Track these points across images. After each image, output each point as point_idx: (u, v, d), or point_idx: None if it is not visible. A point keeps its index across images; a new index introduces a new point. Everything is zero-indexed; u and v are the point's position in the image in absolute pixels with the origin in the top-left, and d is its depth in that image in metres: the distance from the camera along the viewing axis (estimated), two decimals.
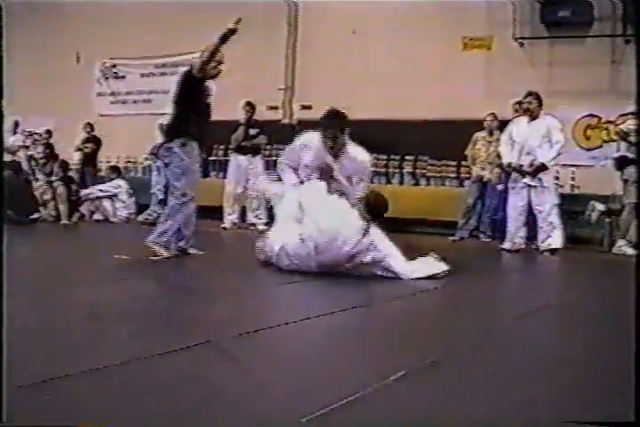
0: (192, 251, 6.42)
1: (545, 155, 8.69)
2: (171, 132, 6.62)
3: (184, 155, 6.42)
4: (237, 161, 11.79)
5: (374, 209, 5.49)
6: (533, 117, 8.80)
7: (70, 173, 12.23)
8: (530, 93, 8.85)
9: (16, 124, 13.77)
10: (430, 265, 5.66)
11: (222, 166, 13.87)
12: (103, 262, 6.00)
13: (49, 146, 12.80)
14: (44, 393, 2.20)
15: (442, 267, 5.69)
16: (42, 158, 12.49)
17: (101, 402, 2.16)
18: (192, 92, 6.79)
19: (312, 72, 13.31)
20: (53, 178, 11.74)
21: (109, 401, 2.18)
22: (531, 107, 8.78)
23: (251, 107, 12.02)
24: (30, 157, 12.92)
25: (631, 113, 8.88)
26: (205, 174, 14.11)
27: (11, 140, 13.40)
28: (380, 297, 4.91)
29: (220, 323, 3.67)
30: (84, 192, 12.13)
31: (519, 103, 9.23)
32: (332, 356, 2.97)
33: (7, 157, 12.55)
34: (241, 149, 11.76)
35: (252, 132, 11.80)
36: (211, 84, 7.18)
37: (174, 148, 6.43)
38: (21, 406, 2.08)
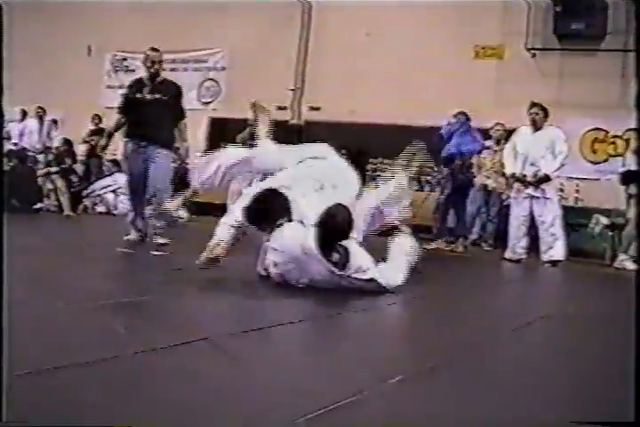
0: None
1: (548, 166, 8.69)
2: None
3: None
4: None
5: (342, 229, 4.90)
6: (538, 128, 8.81)
7: (69, 165, 12.22)
8: (534, 104, 8.85)
9: (23, 114, 13.77)
10: (402, 261, 5.28)
11: None
12: (104, 254, 6.00)
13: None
14: (41, 383, 2.20)
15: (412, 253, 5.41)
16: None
17: (97, 394, 2.16)
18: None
19: (322, 74, 13.32)
20: (53, 170, 11.74)
21: (105, 393, 2.18)
22: (536, 118, 8.78)
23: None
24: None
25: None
26: None
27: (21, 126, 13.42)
28: (378, 302, 4.91)
29: (219, 320, 3.67)
30: (85, 192, 12.13)
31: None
32: (331, 358, 2.98)
33: (11, 146, 12.58)
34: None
35: None
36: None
37: None
38: (19, 395, 2.08)
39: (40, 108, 13.14)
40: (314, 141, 11.87)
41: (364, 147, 12.49)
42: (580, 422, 1.84)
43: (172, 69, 15.18)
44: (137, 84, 7.44)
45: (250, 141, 11.77)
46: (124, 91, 8.29)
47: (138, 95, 7.24)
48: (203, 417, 2.02)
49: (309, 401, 2.20)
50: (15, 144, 12.76)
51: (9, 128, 13.72)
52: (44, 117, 13.17)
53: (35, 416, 1.91)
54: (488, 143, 10.46)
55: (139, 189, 7.05)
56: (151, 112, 7.12)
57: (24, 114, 14.40)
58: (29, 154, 12.27)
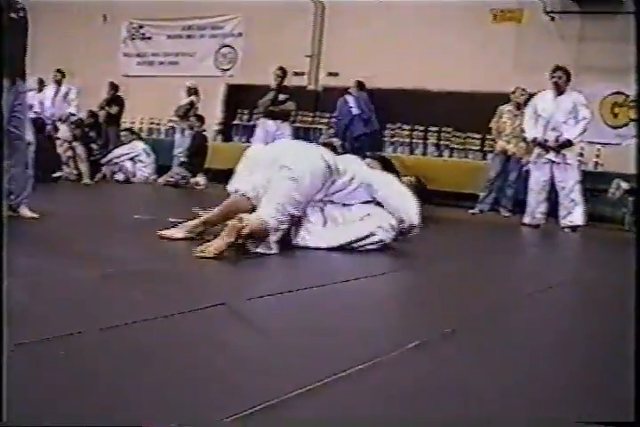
0: (24, 211, 5.65)
1: (570, 131, 8.62)
2: None
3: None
4: (266, 126, 11.73)
5: None
6: (560, 93, 8.72)
7: (90, 133, 12.25)
8: (558, 68, 8.76)
9: (41, 83, 13.75)
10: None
11: (245, 131, 13.86)
12: (122, 221, 6.01)
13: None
14: (56, 349, 2.21)
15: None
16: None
17: (113, 359, 2.17)
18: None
19: (339, 40, 13.23)
20: (69, 136, 11.74)
21: (121, 359, 2.18)
22: (559, 82, 8.70)
23: (282, 72, 11.94)
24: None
25: None
26: (228, 138, 14.13)
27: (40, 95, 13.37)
28: (393, 267, 4.90)
29: (236, 286, 3.67)
30: (104, 160, 12.14)
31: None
32: (347, 323, 2.97)
33: (31, 115, 12.56)
34: (270, 114, 11.70)
35: (282, 97, 11.73)
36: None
37: None
38: (33, 361, 2.09)
39: (59, 71, 13.01)
40: (332, 107, 11.93)
41: (382, 112, 12.43)
42: (581, 422, 1.84)
43: (189, 36, 15.17)
44: None
45: (271, 106, 11.76)
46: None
47: None
48: (221, 382, 2.02)
49: (327, 366, 2.19)
50: (36, 113, 12.73)
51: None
52: (62, 82, 13.06)
53: (49, 383, 1.92)
54: (508, 108, 10.40)
55: None
56: None
57: (41, 83, 14.38)
58: (48, 122, 12.23)
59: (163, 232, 4.90)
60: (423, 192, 5.55)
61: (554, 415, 1.91)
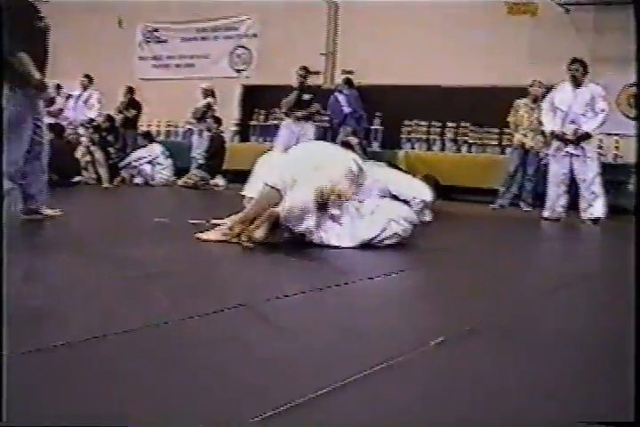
0: (46, 211, 5.88)
1: (589, 123, 8.58)
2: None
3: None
4: (290, 126, 11.67)
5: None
6: (578, 85, 8.68)
7: (109, 138, 12.29)
8: (575, 60, 8.72)
9: (58, 88, 13.80)
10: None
11: (262, 131, 13.87)
12: (142, 224, 6.04)
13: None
14: (83, 352, 2.22)
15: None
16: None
17: (137, 361, 2.18)
18: (27, 21, 5.53)
19: (354, 37, 13.20)
20: (88, 141, 11.79)
21: (144, 360, 2.19)
22: (576, 74, 8.66)
23: (305, 71, 11.89)
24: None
25: None
26: (246, 139, 14.14)
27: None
28: (415, 263, 4.90)
29: (256, 286, 3.68)
30: (122, 163, 12.19)
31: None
32: (368, 322, 2.97)
33: (50, 120, 12.61)
34: (294, 115, 11.65)
35: (306, 97, 11.68)
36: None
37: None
38: (57, 365, 2.10)
39: (86, 76, 12.99)
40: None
41: (399, 109, 12.42)
42: (578, 422, 1.83)
43: (203, 38, 15.18)
44: None
45: (294, 106, 11.73)
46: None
47: None
48: (245, 383, 2.03)
49: (350, 365, 2.19)
50: (66, 118, 12.72)
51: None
52: (88, 87, 13.04)
53: (78, 385, 1.93)
54: (525, 101, 10.36)
55: None
56: None
57: (58, 88, 14.44)
58: (70, 127, 12.28)
59: (200, 235, 4.91)
60: (437, 185, 5.64)
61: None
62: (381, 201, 5.22)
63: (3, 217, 4.65)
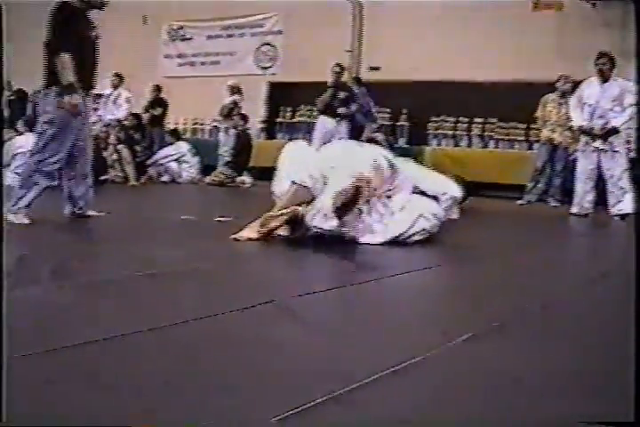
0: (91, 212, 6.01)
1: (617, 118, 8.51)
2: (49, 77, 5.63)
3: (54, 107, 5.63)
4: (325, 124, 11.61)
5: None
6: (605, 80, 8.61)
7: (135, 135, 12.33)
8: (603, 55, 8.64)
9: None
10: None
11: (288, 128, 13.89)
12: (169, 222, 6.06)
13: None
14: (108, 350, 2.23)
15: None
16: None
17: (164, 359, 2.18)
18: (71, 27, 5.63)
19: (379, 33, 13.17)
20: (115, 139, 11.83)
21: (171, 358, 2.20)
22: (604, 69, 8.59)
23: (340, 68, 11.82)
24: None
25: None
26: (272, 136, 14.15)
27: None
28: (443, 258, 4.88)
29: (285, 282, 3.68)
30: (149, 161, 12.24)
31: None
32: (396, 318, 2.96)
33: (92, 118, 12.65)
34: (330, 112, 11.57)
35: (341, 95, 11.60)
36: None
37: (50, 96, 5.61)
38: (86, 362, 2.11)
39: (117, 75, 12.97)
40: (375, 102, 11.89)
41: (426, 105, 12.39)
42: (578, 422, 1.81)
43: (229, 36, 15.21)
44: None
45: (331, 103, 11.68)
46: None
47: None
48: (274, 380, 2.03)
49: (379, 361, 2.19)
50: (99, 116, 12.76)
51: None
52: (119, 86, 13.02)
53: (105, 382, 1.94)
54: (552, 96, 10.30)
55: None
56: None
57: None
58: (98, 126, 12.31)
59: (236, 235, 4.87)
60: (466, 186, 5.63)
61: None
62: (411, 197, 5.22)
63: (2, 217, 4.69)
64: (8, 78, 14.08)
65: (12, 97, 15.06)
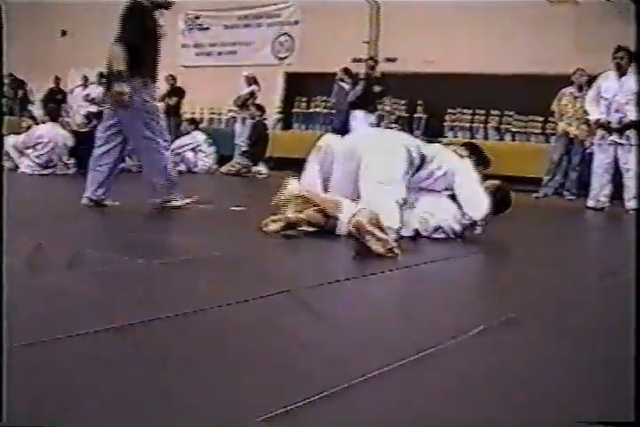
0: (108, 202, 6.14)
1: (634, 112, 8.47)
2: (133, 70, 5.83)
3: (148, 96, 6.01)
4: (359, 118, 11.56)
5: None
6: (623, 73, 8.57)
7: None
8: (621, 48, 8.60)
9: (102, 76, 13.92)
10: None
11: (305, 118, 13.90)
12: (185, 211, 6.07)
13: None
14: (124, 337, 2.25)
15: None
16: None
17: (178, 347, 2.20)
18: (144, 25, 6.09)
19: (396, 25, 13.14)
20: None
21: (186, 346, 2.22)
22: (621, 62, 8.55)
23: (374, 61, 11.78)
24: None
25: None
26: (288, 126, 14.15)
27: (97, 91, 13.53)
28: (458, 252, 4.88)
29: (300, 272, 3.69)
30: None
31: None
32: (410, 310, 2.98)
33: (93, 108, 12.72)
34: (364, 106, 11.52)
35: (376, 88, 11.54)
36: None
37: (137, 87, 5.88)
38: (103, 349, 2.13)
39: None
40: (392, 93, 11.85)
41: (442, 97, 12.37)
42: (578, 422, 1.81)
43: (246, 26, 15.20)
44: None
45: (362, 96, 11.67)
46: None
47: None
48: (287, 369, 2.04)
49: (391, 353, 2.20)
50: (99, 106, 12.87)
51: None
52: None
53: (120, 369, 1.96)
54: (570, 90, 10.26)
55: None
56: None
57: (86, 80, 14.62)
58: None
59: (265, 229, 4.81)
60: (505, 198, 5.45)
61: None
62: (439, 199, 5.16)
63: (2, 216, 4.71)
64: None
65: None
